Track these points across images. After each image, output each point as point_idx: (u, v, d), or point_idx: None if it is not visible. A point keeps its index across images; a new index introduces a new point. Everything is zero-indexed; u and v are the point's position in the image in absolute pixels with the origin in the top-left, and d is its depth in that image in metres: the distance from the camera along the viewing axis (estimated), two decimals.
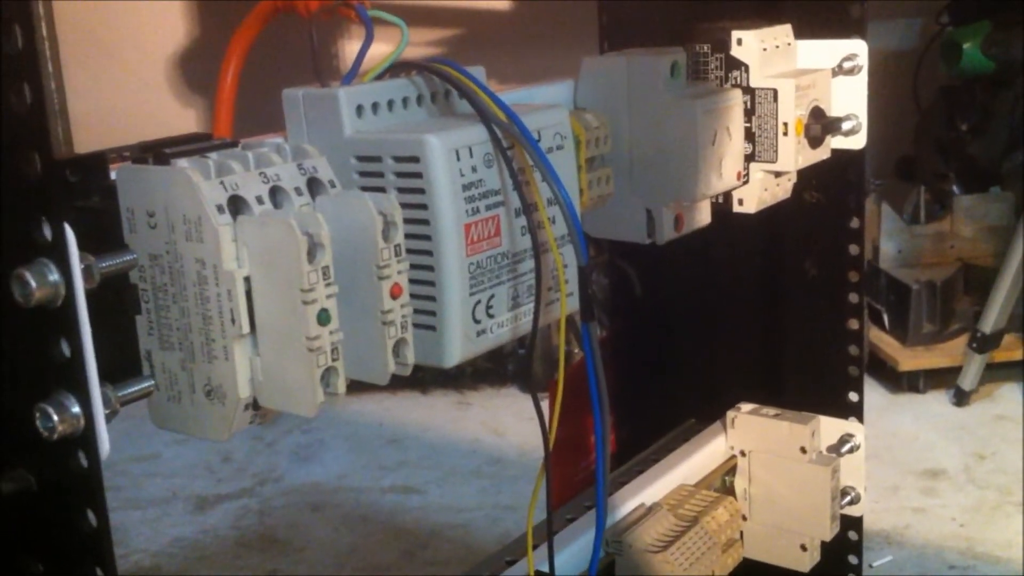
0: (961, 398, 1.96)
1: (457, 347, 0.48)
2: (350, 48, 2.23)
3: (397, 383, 2.15)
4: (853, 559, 0.88)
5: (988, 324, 1.90)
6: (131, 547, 1.79)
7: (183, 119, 2.67)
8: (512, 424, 1.99)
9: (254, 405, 0.41)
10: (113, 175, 0.42)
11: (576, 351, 0.56)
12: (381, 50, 0.51)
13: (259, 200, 0.40)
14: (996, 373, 1.99)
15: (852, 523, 0.86)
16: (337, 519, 1.75)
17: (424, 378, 2.12)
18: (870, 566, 1.53)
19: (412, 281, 0.46)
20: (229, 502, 1.85)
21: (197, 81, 2.68)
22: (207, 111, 2.66)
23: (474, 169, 0.48)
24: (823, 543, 0.81)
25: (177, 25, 2.69)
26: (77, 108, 2.66)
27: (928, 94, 2.25)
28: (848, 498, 0.85)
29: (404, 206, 0.46)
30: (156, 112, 2.66)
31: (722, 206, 0.70)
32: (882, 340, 2.07)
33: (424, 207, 0.46)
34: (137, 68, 2.69)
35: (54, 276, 0.35)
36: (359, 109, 0.48)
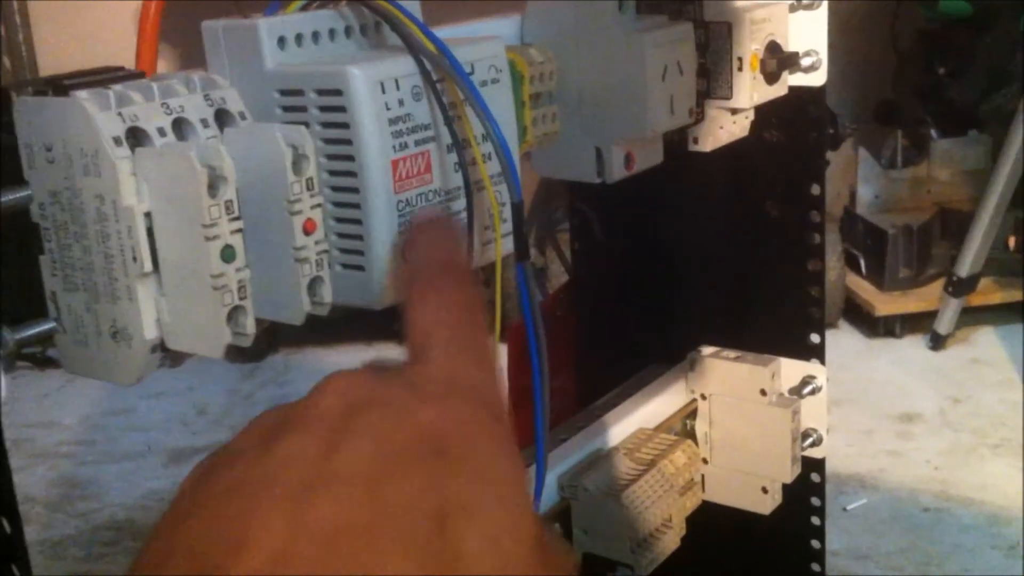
0: (937, 342, 1.96)
1: (387, 287, 0.46)
2: None
3: (374, 334, 2.14)
4: (816, 501, 0.87)
5: (964, 268, 1.90)
6: (105, 501, 1.79)
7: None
8: None
9: (162, 347, 0.40)
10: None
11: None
12: None
13: (161, 132, 0.38)
14: (972, 317, 2.00)
15: (814, 465, 0.85)
16: None
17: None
18: (844, 509, 1.54)
19: (339, 220, 0.45)
20: (204, 454, 1.84)
21: (168, 32, 2.63)
22: (175, 65, 2.62)
23: (401, 103, 0.46)
24: (785, 485, 0.80)
25: None
26: (47, 63, 2.61)
27: (906, 38, 2.23)
28: (810, 439, 0.84)
29: (328, 141, 0.44)
30: (123, 64, 2.62)
31: (678, 146, 0.69)
32: (859, 285, 2.07)
33: (348, 142, 0.45)
34: (106, 21, 2.65)
35: None
36: (281, 41, 0.46)
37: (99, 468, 1.89)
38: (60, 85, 0.37)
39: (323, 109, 0.45)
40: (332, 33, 0.48)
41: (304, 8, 0.48)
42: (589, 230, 0.90)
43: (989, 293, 1.98)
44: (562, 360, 0.94)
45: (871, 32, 2.19)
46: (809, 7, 0.74)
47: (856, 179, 2.09)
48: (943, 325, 1.95)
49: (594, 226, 0.90)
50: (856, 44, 2.08)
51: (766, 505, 0.81)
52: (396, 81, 0.46)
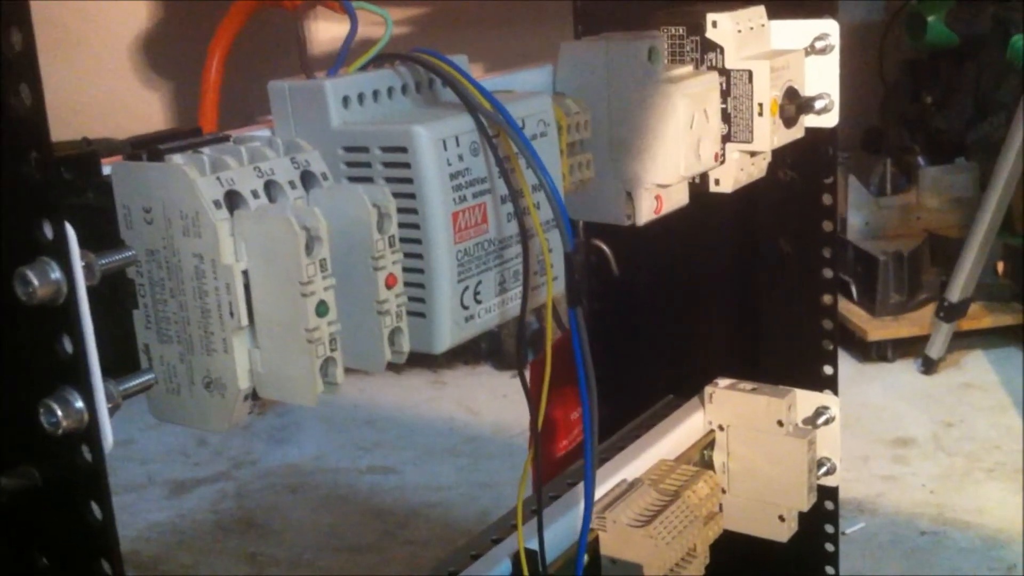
0: (929, 366, 1.99)
1: (446, 333, 0.49)
2: (326, 31, 2.21)
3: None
4: (829, 528, 0.90)
5: (955, 293, 1.94)
6: None
7: (150, 105, 2.64)
8: (487, 402, 2.00)
9: (253, 396, 0.42)
10: (106, 171, 0.42)
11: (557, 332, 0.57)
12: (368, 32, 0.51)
13: (255, 194, 0.40)
14: (963, 341, 2.03)
15: (828, 493, 0.88)
16: (315, 500, 1.76)
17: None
18: (843, 533, 1.56)
19: (402, 269, 0.47)
20: (206, 486, 1.85)
21: (164, 68, 2.65)
22: (174, 97, 2.64)
23: (460, 158, 0.48)
24: (800, 513, 0.83)
25: (142, 12, 2.66)
26: (47, 97, 2.62)
27: (893, 67, 2.27)
28: (824, 468, 0.86)
29: (392, 195, 0.47)
30: (121, 98, 2.63)
31: (699, 186, 0.72)
32: (850, 311, 2.10)
33: (412, 196, 0.47)
34: (104, 56, 2.67)
35: (56, 274, 0.36)
36: (345, 100, 0.49)
37: None
38: (155, 150, 0.40)
39: (388, 165, 0.47)
40: (390, 91, 0.51)
41: (364, 68, 0.51)
42: (606, 266, 0.93)
43: (979, 318, 2.01)
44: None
45: (858, 61, 2.24)
46: (822, 52, 0.77)
47: (846, 206, 2.13)
48: (935, 349, 1.98)
49: (610, 262, 0.92)
50: (843, 73, 2.12)
51: (783, 533, 0.83)
52: (456, 138, 0.48)
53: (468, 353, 2.15)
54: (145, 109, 2.63)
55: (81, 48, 2.66)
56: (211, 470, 1.94)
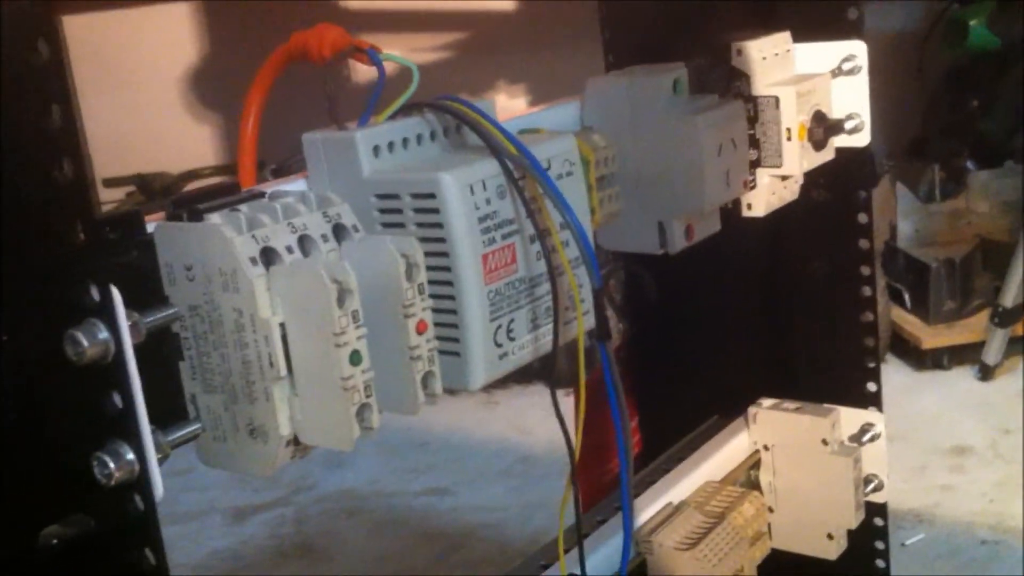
0: (986, 373, 1.97)
1: (481, 371, 0.50)
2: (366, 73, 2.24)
3: None
4: (880, 544, 0.90)
5: (1008, 298, 1.91)
6: (169, 562, 1.82)
7: (198, 139, 2.70)
8: (539, 421, 2.01)
9: (295, 441, 0.44)
10: (150, 228, 0.45)
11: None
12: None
13: (289, 250, 0.42)
14: (1019, 347, 2.00)
15: (877, 510, 0.88)
16: (371, 524, 1.78)
17: None
18: (903, 544, 1.55)
19: (435, 311, 0.48)
20: (265, 512, 1.88)
21: (210, 100, 2.71)
22: (221, 130, 2.70)
23: (488, 201, 0.50)
24: (849, 531, 0.83)
25: (188, 46, 2.72)
26: (93, 131, 2.69)
27: (934, 73, 2.25)
28: (872, 485, 0.86)
29: (423, 240, 0.48)
30: (170, 132, 2.70)
31: (732, 211, 0.72)
32: (904, 319, 2.08)
33: (443, 240, 0.49)
34: (150, 90, 2.73)
35: (103, 334, 0.38)
36: (376, 149, 0.51)
37: (162, 530, 1.93)
38: (195, 209, 0.42)
39: (418, 211, 0.49)
40: (419, 138, 0.53)
41: (392, 117, 0.53)
42: (644, 291, 0.94)
43: None
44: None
45: (899, 69, 2.23)
46: (850, 73, 0.78)
47: (895, 214, 2.11)
48: (991, 356, 1.96)
49: (649, 287, 0.93)
50: (884, 81, 2.11)
51: (832, 551, 0.83)
52: (483, 183, 0.50)
53: (519, 372, 2.15)
54: (195, 142, 2.69)
55: (132, 85, 2.73)
56: (270, 496, 1.97)
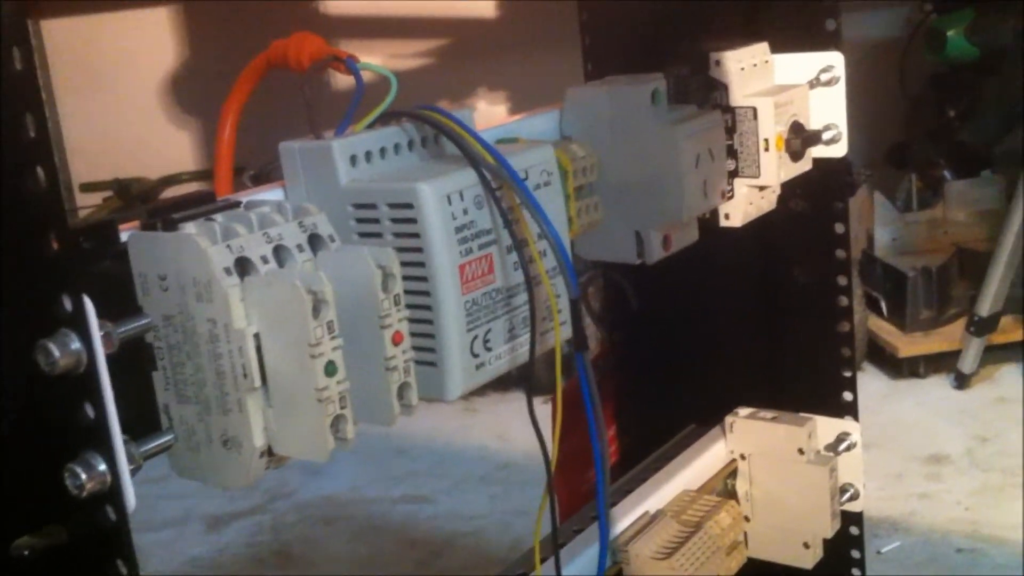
0: (962, 381, 1.98)
1: (458, 382, 0.50)
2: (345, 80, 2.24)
3: None
4: (856, 553, 0.90)
5: (985, 307, 1.93)
6: (146, 569, 1.81)
7: (177, 144, 2.69)
8: (519, 429, 2.01)
9: (269, 452, 0.44)
10: (124, 237, 0.44)
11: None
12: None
13: (264, 260, 0.42)
14: (995, 355, 2.02)
15: (853, 519, 0.88)
16: (350, 532, 1.77)
17: None
18: (879, 552, 1.55)
19: (412, 321, 0.48)
20: (243, 520, 1.87)
21: (190, 106, 2.70)
22: (201, 136, 2.69)
23: (465, 211, 0.50)
24: (825, 540, 0.83)
25: (168, 51, 2.71)
26: (72, 135, 2.68)
27: (914, 82, 2.27)
28: (848, 494, 0.87)
29: (400, 250, 0.48)
30: (150, 137, 2.69)
31: (709, 221, 0.73)
32: (881, 327, 2.09)
33: (419, 251, 0.49)
34: (130, 94, 2.72)
35: (76, 345, 0.37)
36: (353, 159, 0.51)
37: (139, 537, 1.91)
38: (169, 219, 0.42)
39: (395, 221, 0.49)
40: (397, 147, 0.53)
41: (370, 126, 0.53)
42: (624, 300, 0.94)
43: (1011, 331, 2.00)
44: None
45: (879, 77, 2.24)
46: (827, 84, 0.78)
47: (873, 222, 2.13)
48: (967, 364, 1.97)
49: (629, 296, 0.93)
50: (864, 90, 2.13)
51: (808, 560, 0.83)
52: (460, 193, 0.50)
53: (499, 379, 2.15)
54: (175, 147, 2.68)
55: (112, 90, 2.71)
56: (247, 504, 1.97)
